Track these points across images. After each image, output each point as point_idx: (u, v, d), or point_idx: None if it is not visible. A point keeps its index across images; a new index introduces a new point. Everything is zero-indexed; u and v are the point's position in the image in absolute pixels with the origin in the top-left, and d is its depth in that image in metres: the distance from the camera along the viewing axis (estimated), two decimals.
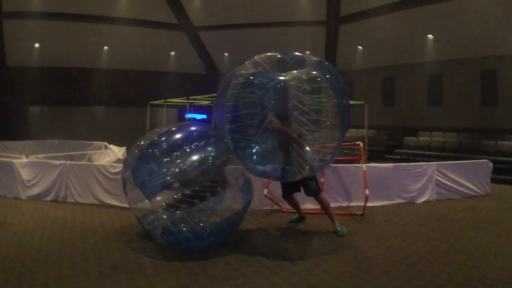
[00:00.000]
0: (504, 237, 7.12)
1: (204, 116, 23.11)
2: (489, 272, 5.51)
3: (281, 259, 6.09)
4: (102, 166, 9.82)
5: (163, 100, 18.33)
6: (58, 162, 10.16)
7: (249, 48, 22.50)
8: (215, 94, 17.25)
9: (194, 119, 21.87)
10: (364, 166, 8.71)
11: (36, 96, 23.84)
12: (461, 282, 5.20)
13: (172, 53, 25.79)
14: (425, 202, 9.66)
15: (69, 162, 10.18)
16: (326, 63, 6.77)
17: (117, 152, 17.66)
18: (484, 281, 5.21)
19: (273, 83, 6.09)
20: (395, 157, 18.42)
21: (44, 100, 24.15)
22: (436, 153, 17.22)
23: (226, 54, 25.58)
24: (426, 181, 9.83)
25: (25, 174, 10.23)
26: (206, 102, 18.98)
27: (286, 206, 8.68)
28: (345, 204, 9.32)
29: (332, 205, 9.00)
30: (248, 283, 5.21)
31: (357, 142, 9.34)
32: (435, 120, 19.51)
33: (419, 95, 20.31)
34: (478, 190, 10.37)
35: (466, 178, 10.27)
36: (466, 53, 18.28)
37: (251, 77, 6.32)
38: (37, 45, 23.12)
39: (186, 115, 23.83)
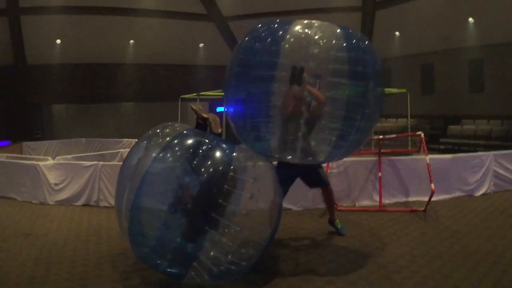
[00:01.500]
0: None
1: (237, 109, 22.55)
2: None
3: (348, 264, 5.65)
4: None
5: (195, 94, 17.90)
6: (89, 163, 9.58)
7: None
8: None
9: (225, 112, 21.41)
10: (427, 158, 8.14)
11: (60, 94, 23.17)
12: None
13: (201, 45, 25.20)
14: (483, 194, 9.19)
15: (101, 162, 9.58)
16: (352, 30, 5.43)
17: None
18: None
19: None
20: (440, 147, 17.82)
21: (68, 98, 23.51)
22: (484, 142, 16.57)
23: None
24: (484, 172, 9.31)
25: (52, 177, 9.60)
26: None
27: (342, 204, 8.24)
28: (403, 199, 8.82)
29: (389, 201, 8.72)
30: None
31: (417, 133, 8.83)
32: (478, 108, 18.82)
33: (459, 82, 19.60)
34: None
35: None
36: (508, 38, 17.46)
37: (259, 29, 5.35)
38: (58, 41, 22.42)
39: (217, 109, 23.40)
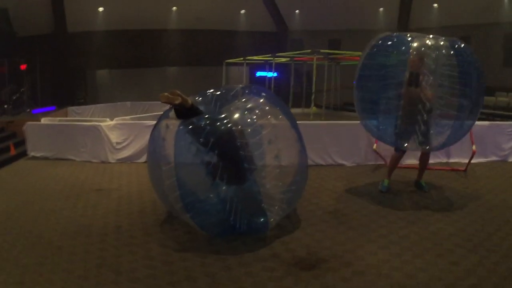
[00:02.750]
0: None
1: (275, 74, 23.16)
2: None
3: (400, 207, 6.54)
4: None
5: (241, 58, 18.59)
6: (153, 123, 9.93)
7: (320, 4, 22.55)
8: (297, 52, 17.58)
9: (266, 77, 22.15)
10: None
11: (103, 60, 23.59)
12: None
13: (242, 11, 25.64)
14: None
15: (165, 121, 9.92)
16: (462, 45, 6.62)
17: None
18: None
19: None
20: None
21: (111, 63, 23.90)
22: None
23: (297, 11, 25.52)
24: None
25: (114, 136, 10.06)
26: (284, 60, 19.22)
27: None
28: (444, 160, 9.63)
29: (431, 161, 9.14)
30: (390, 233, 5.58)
31: None
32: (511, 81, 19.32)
33: (495, 55, 20.04)
34: None
35: None
36: None
37: (388, 41, 6.75)
38: (101, 9, 22.79)
39: (257, 73, 24.13)
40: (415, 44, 6.39)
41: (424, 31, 20.89)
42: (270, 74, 21.86)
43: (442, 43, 6.39)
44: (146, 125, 10.01)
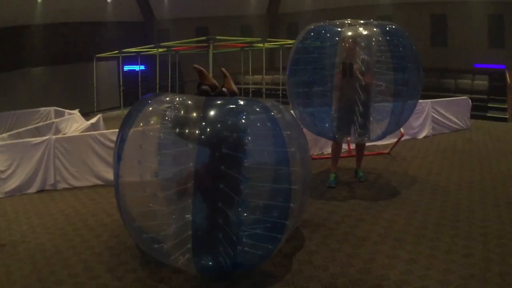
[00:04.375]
0: None
1: (143, 67, 21.65)
2: None
3: (348, 193, 6.36)
4: (101, 134, 7.89)
5: (116, 52, 16.89)
6: (39, 139, 7.86)
7: None
8: (189, 40, 16.42)
9: (134, 71, 20.82)
10: None
11: None
12: None
13: (109, 0, 23.51)
14: (425, 137, 10.15)
15: (54, 136, 7.97)
16: (393, 27, 6.30)
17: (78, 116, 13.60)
18: None
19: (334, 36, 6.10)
20: None
21: None
22: None
23: None
24: (424, 118, 10.30)
25: None
26: (162, 50, 17.90)
27: (313, 153, 8.61)
28: None
29: (344, 147, 8.87)
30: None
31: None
32: None
33: None
34: (462, 124, 11.05)
35: (452, 113, 10.92)
36: None
37: (318, 31, 6.40)
38: None
39: (125, 67, 22.48)
40: (347, 34, 6.05)
41: (296, 15, 21.27)
42: (137, 68, 20.61)
43: (375, 29, 6.08)
44: (32, 144, 7.81)
